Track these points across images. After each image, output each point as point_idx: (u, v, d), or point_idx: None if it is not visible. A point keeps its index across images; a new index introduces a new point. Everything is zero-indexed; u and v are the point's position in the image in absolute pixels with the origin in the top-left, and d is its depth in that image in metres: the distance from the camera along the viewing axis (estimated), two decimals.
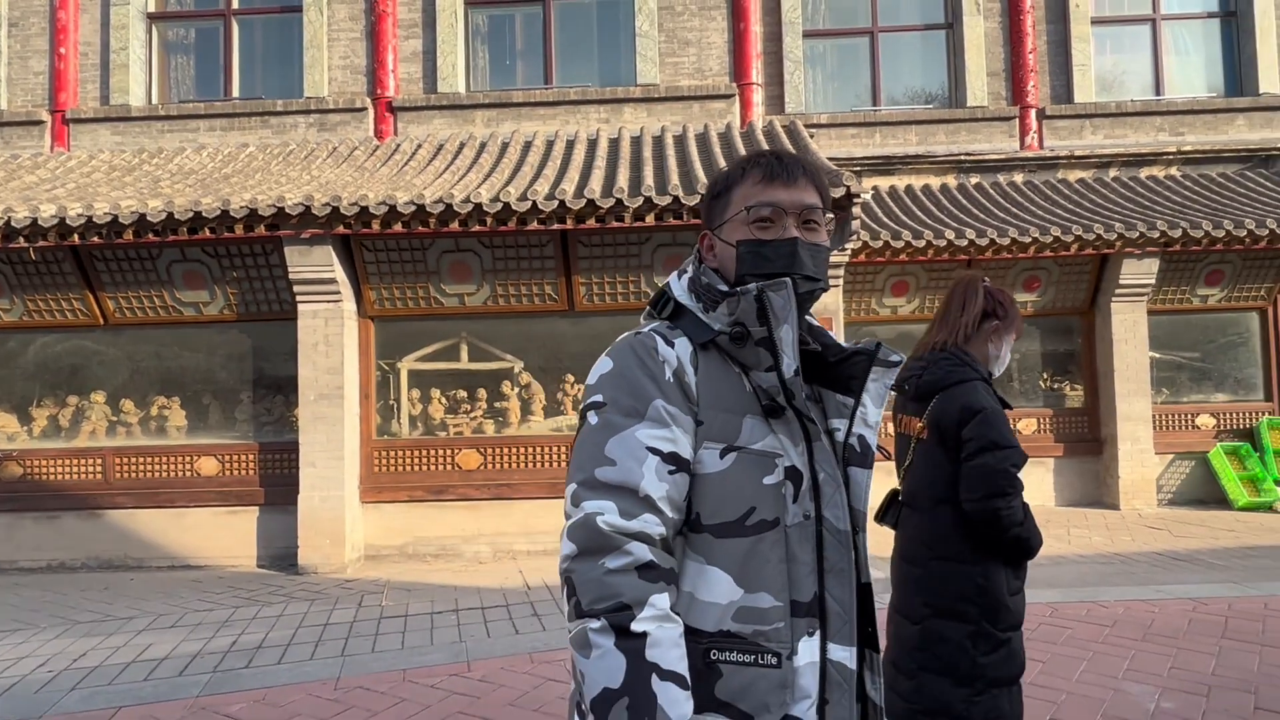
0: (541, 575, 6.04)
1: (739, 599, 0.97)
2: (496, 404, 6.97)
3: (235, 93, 9.37)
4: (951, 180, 9.62)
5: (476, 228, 6.07)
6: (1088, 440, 8.39)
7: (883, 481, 1.69)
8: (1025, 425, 8.40)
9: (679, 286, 1.11)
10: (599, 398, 1.02)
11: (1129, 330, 8.07)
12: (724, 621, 0.97)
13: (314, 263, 6.37)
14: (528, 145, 8.00)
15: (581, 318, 6.90)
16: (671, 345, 1.03)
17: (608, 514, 0.94)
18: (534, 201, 5.93)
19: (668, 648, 0.91)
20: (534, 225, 6.06)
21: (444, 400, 7.02)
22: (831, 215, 1.16)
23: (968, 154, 9.49)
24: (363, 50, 9.19)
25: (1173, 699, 3.37)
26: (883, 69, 10.20)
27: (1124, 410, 8.02)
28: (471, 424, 6.95)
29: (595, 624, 0.91)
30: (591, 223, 6.02)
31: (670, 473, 0.97)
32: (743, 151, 7.06)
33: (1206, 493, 8.19)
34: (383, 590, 5.82)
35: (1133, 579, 5.45)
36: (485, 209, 5.94)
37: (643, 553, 0.93)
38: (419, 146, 8.10)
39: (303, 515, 6.48)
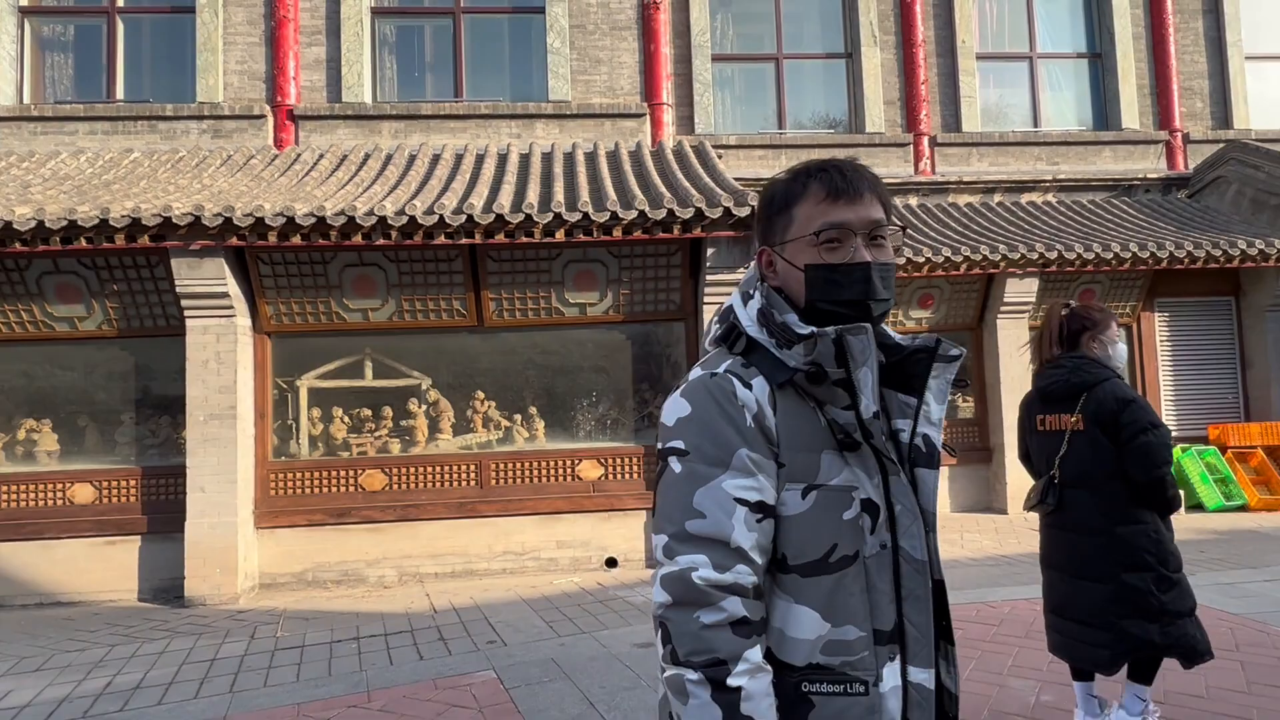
0: (449, 598, 5.88)
1: (826, 633, 1.00)
2: (403, 422, 6.78)
3: (119, 94, 8.83)
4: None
5: (381, 241, 5.92)
6: (979, 449, 8.89)
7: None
8: None
9: (747, 317, 1.09)
10: (680, 443, 1.01)
11: (1013, 345, 8.62)
12: (813, 655, 1.00)
13: (204, 276, 6.04)
14: (436, 158, 7.88)
15: (492, 333, 6.81)
16: (749, 387, 1.02)
17: (701, 568, 0.96)
18: (441, 215, 5.83)
19: (759, 699, 0.94)
20: (441, 239, 5.95)
21: (347, 419, 6.77)
22: (897, 226, 1.14)
23: None
24: (262, 56, 8.84)
25: (1051, 692, 3.59)
26: (788, 94, 10.60)
27: (1010, 420, 8.54)
28: (376, 443, 6.72)
29: (692, 675, 0.94)
30: (500, 238, 5.97)
31: (758, 521, 0.99)
32: (653, 171, 7.18)
33: None
34: (278, 620, 5.53)
35: (1017, 579, 5.78)
36: (390, 222, 5.79)
37: (737, 608, 0.95)
38: (321, 156, 7.84)
39: (190, 543, 6.09)
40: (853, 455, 1.03)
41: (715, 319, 1.14)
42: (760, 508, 0.99)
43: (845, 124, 10.55)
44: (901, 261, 7.96)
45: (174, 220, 5.69)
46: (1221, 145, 10.05)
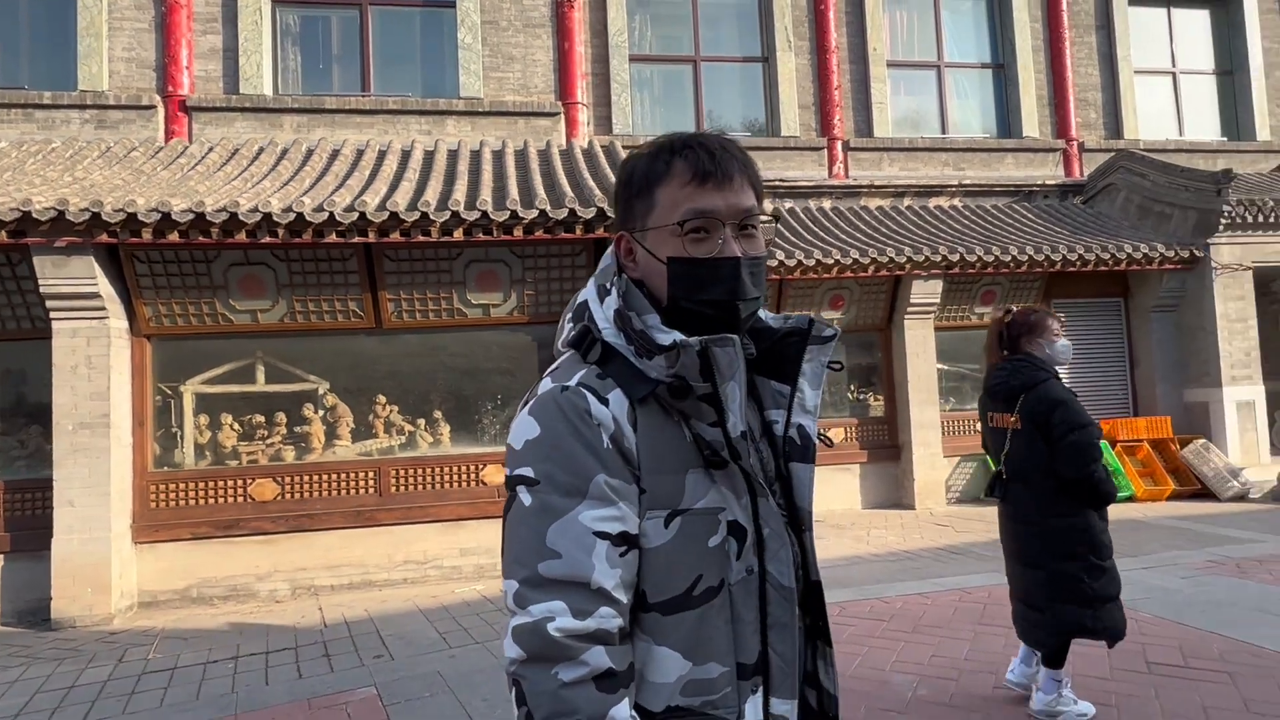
0: (343, 611, 5.64)
1: (687, 673, 0.92)
2: (298, 428, 6.48)
3: None
4: (768, 205, 10.17)
5: (266, 239, 5.63)
6: (888, 446, 9.10)
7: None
8: (834, 434, 8.97)
9: (603, 318, 0.97)
10: (529, 471, 0.90)
11: (920, 345, 8.86)
12: (673, 698, 0.92)
13: (72, 275, 5.64)
14: (335, 154, 7.59)
15: (392, 335, 6.58)
16: (606, 403, 0.91)
17: (559, 617, 0.85)
18: (331, 213, 5.59)
19: None
20: (332, 238, 5.71)
21: (237, 426, 6.43)
22: (768, 217, 1.06)
23: (782, 180, 10.08)
24: (152, 43, 8.35)
25: (928, 686, 3.64)
26: (706, 96, 10.65)
27: (917, 418, 8.78)
28: (269, 451, 6.41)
29: None
30: (396, 236, 5.77)
31: (621, 555, 0.89)
32: (560, 170, 7.08)
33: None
34: (153, 642, 5.19)
35: (915, 574, 5.91)
36: (276, 219, 5.52)
37: (600, 660, 0.85)
38: (210, 149, 7.44)
39: (58, 561, 5.67)
40: (720, 474, 0.95)
41: (568, 314, 1.02)
42: (623, 539, 0.90)
43: (763, 127, 10.67)
44: (773, 262, 8.09)
45: (34, 215, 5.29)
46: (1113, 154, 10.58)
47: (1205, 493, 8.61)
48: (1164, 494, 8.58)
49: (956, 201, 10.58)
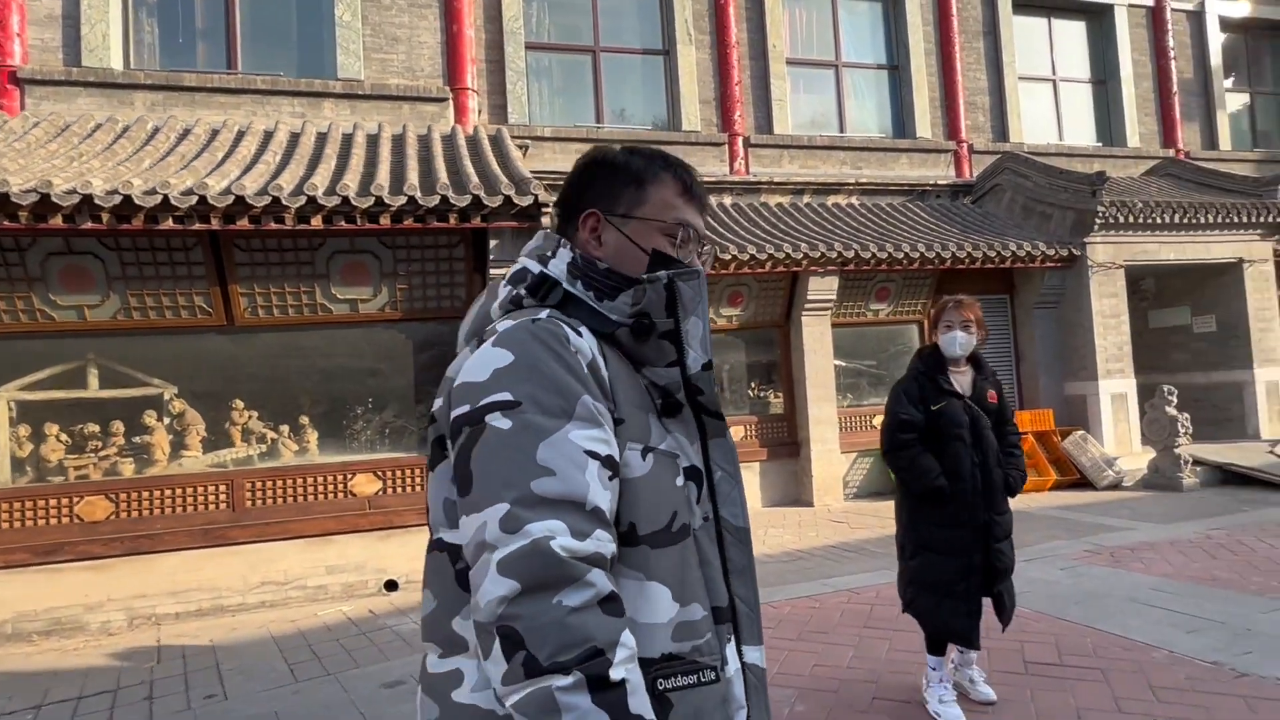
0: (185, 642, 5.03)
1: (676, 614, 0.89)
2: (137, 438, 5.79)
3: None
4: None
5: (89, 225, 4.95)
6: (788, 443, 9.05)
7: None
8: (735, 432, 8.84)
9: (560, 271, 0.98)
10: (505, 395, 0.84)
11: (817, 341, 8.84)
12: (666, 643, 0.88)
13: None
14: (186, 133, 6.87)
15: (247, 334, 5.96)
16: (579, 334, 0.91)
17: (560, 536, 0.78)
18: (165, 196, 4.97)
19: (643, 694, 0.79)
20: (168, 224, 5.08)
21: (65, 437, 5.68)
22: (709, 247, 1.15)
23: None
24: None
25: (807, 700, 3.44)
26: (605, 88, 10.36)
27: (814, 414, 8.75)
28: (102, 465, 5.69)
29: (564, 680, 0.74)
30: (244, 224, 5.19)
31: (610, 479, 0.86)
32: (440, 157, 6.61)
33: (883, 484, 9.18)
34: None
35: (806, 575, 5.78)
36: (98, 201, 4.86)
37: (604, 582, 0.79)
38: (35, 125, 6.59)
39: None
40: (673, 420, 0.96)
41: (505, 283, 1.00)
42: (610, 464, 0.86)
43: (664, 121, 10.46)
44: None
45: None
46: (999, 156, 10.91)
47: (1084, 482, 8.94)
48: (1047, 484, 8.86)
49: (854, 199, 10.68)
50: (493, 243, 5.67)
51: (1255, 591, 4.59)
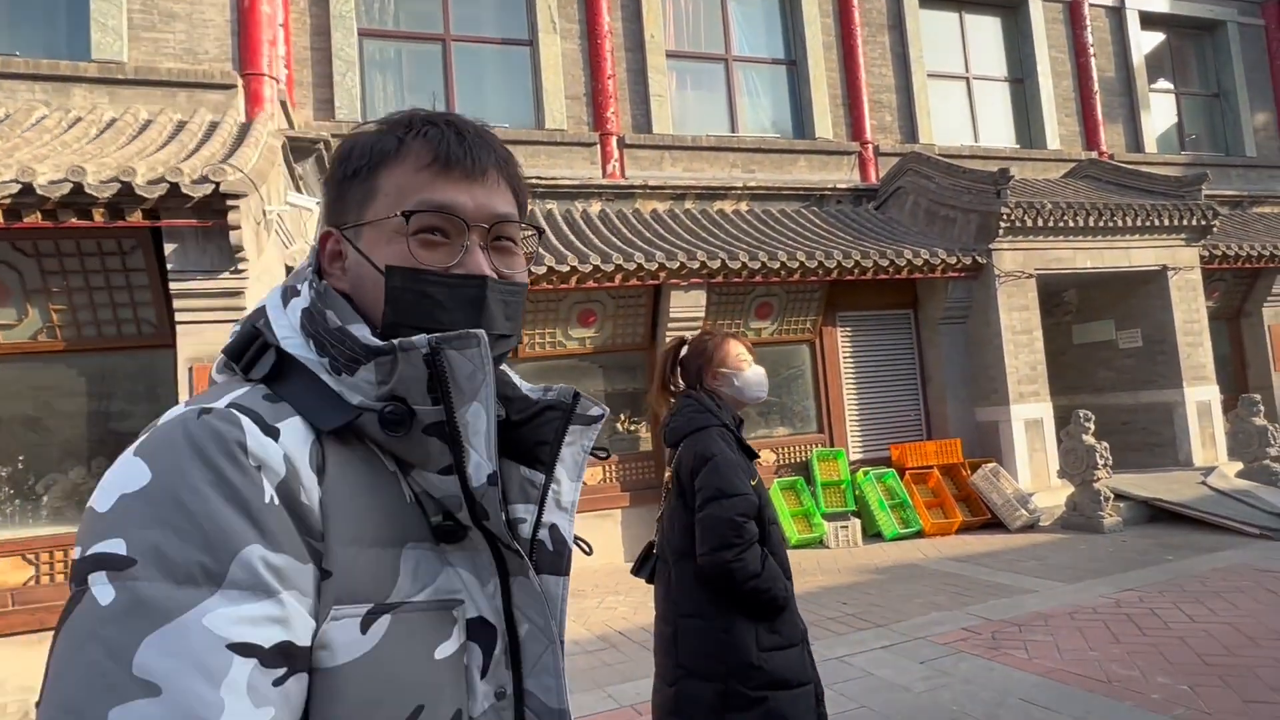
0: None
1: None
2: None
3: None
4: (532, 208, 8.73)
5: None
6: (655, 486, 7.74)
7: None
8: (592, 475, 7.54)
9: (284, 323, 0.66)
10: (117, 547, 0.52)
11: None
12: None
13: None
14: None
15: None
16: (274, 435, 0.58)
17: None
18: None
19: None
20: None
21: None
22: (533, 231, 0.77)
23: (546, 179, 8.65)
24: None
25: None
26: (459, 82, 9.14)
27: None
28: None
29: None
30: None
31: (276, 683, 0.53)
32: (193, 157, 5.26)
33: None
34: None
35: (625, 674, 4.45)
36: None
37: None
38: None
39: None
40: (455, 549, 0.65)
41: (235, 330, 0.69)
42: (282, 655, 0.53)
43: (527, 119, 9.24)
44: (538, 272, 6.65)
45: None
46: (903, 157, 9.87)
47: (996, 522, 7.79)
48: (953, 527, 7.68)
49: (743, 205, 9.53)
50: (169, 248, 4.32)
51: (1158, 706, 3.37)
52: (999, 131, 11.56)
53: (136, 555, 0.51)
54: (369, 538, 0.60)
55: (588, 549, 0.83)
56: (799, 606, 2.10)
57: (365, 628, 0.58)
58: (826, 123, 10.31)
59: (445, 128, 0.70)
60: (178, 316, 4.40)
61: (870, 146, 10.36)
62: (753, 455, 2.11)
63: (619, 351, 7.83)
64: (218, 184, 4.07)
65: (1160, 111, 12.56)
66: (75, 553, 0.54)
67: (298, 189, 6.79)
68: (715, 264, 7.24)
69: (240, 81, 7.17)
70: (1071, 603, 5.03)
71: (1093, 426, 7.41)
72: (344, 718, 0.56)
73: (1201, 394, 9.00)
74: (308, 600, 0.56)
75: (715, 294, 7.73)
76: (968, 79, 11.47)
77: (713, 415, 2.07)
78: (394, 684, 0.58)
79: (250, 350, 0.65)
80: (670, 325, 7.51)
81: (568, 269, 6.78)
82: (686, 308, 7.48)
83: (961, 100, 11.39)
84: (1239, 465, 8.43)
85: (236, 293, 4.42)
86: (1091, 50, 11.75)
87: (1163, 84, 12.70)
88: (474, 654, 0.65)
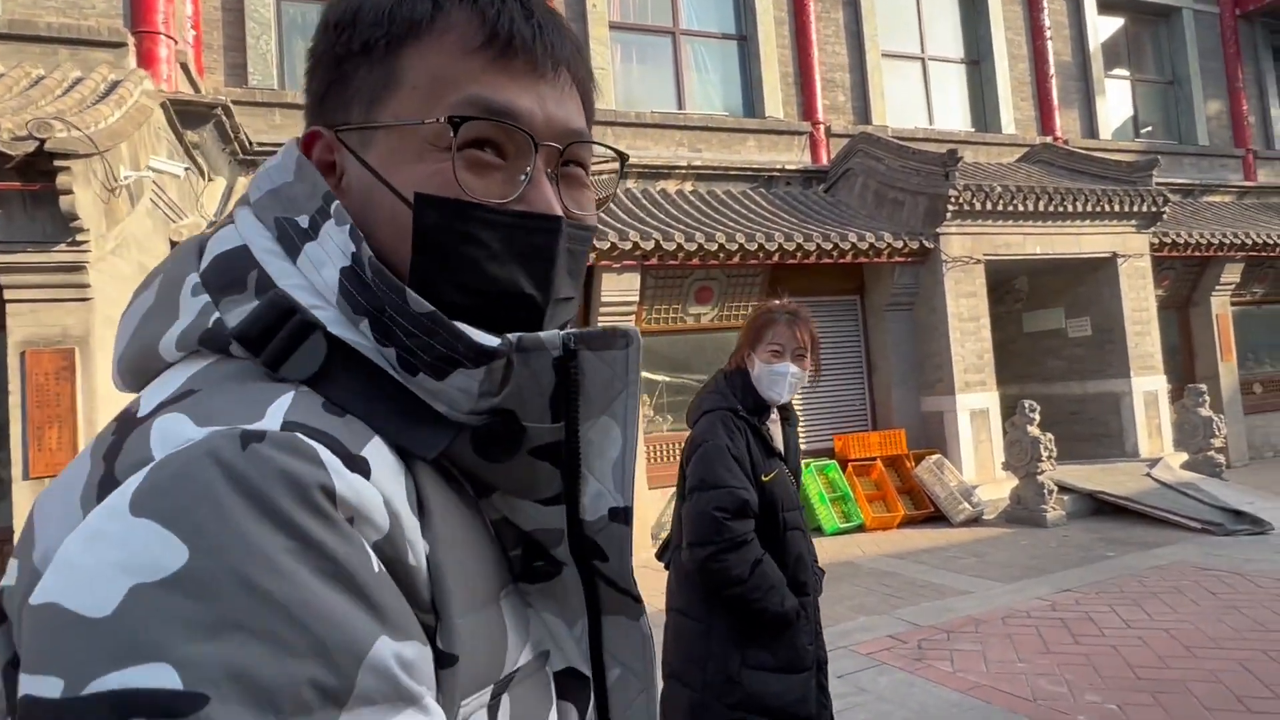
0: None
1: None
2: None
3: None
4: None
5: None
6: None
7: None
8: None
9: (299, 283, 0.45)
10: (164, 678, 0.31)
11: None
12: None
13: None
14: None
15: None
16: (364, 471, 0.40)
17: None
18: None
19: None
20: None
21: None
22: (615, 157, 0.61)
23: None
24: None
25: None
26: None
27: None
28: None
29: None
30: None
31: None
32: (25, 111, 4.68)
33: None
34: None
35: None
36: None
37: None
38: None
39: None
40: (537, 591, 0.51)
41: (199, 272, 0.47)
42: None
43: None
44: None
45: None
46: (853, 138, 9.54)
47: (940, 515, 7.55)
48: (894, 521, 7.43)
49: (687, 186, 9.13)
50: None
51: None
52: (954, 114, 11.30)
53: (204, 689, 0.31)
54: (481, 598, 0.46)
55: None
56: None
57: (494, 717, 0.45)
58: (777, 101, 9.94)
59: None
60: (6, 294, 3.87)
61: (822, 127, 10.02)
62: (773, 452, 1.91)
63: None
64: (43, 141, 3.54)
65: (1116, 98, 12.42)
66: (36, 686, 0.32)
67: (192, 160, 6.22)
68: (649, 245, 6.84)
69: (131, 40, 6.55)
70: (1006, 605, 4.77)
71: (1037, 417, 7.19)
72: None
73: (1148, 384, 8.86)
74: (434, 703, 0.40)
75: (651, 277, 7.34)
76: (923, 59, 11.17)
77: (723, 399, 1.90)
78: None
79: (276, 334, 0.43)
80: (602, 310, 7.11)
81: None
82: (620, 291, 7.07)
83: (917, 81, 11.10)
84: (1184, 456, 8.31)
85: (76, 268, 3.87)
86: (1048, 33, 11.52)
87: (1119, 70, 12.56)
88: (569, 715, 0.52)
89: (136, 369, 0.48)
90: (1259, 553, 5.61)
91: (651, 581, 5.22)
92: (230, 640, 0.32)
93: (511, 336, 0.45)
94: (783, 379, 1.88)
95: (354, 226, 0.46)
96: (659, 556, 2.09)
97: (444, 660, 0.41)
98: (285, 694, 0.33)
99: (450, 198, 0.46)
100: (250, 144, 7.21)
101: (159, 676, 0.31)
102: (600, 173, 0.54)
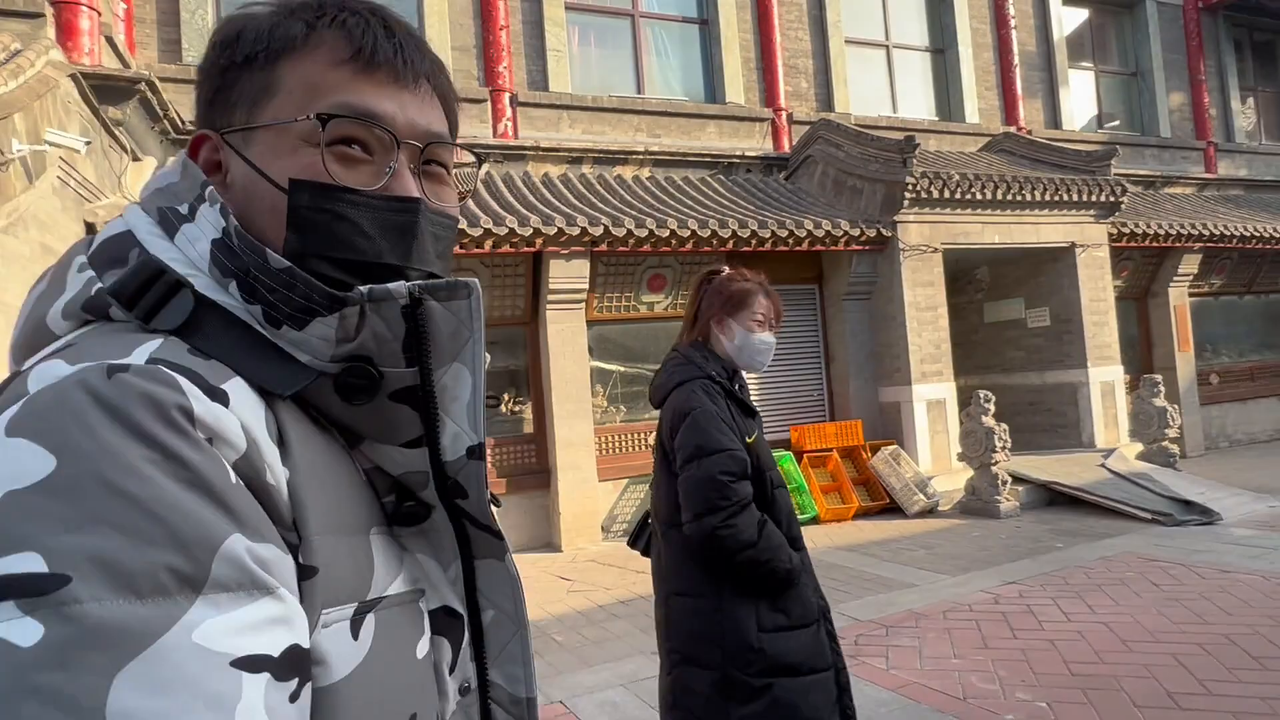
0: None
1: None
2: None
3: None
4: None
5: None
6: (536, 471, 7.18)
7: None
8: None
9: (178, 257, 0.52)
10: (31, 564, 0.37)
11: (567, 341, 7.01)
12: None
13: None
14: None
15: None
16: (223, 400, 0.46)
17: None
18: None
19: None
20: None
21: None
22: (473, 160, 0.74)
23: None
24: None
25: None
26: None
27: (563, 434, 6.92)
28: None
29: None
30: None
31: (293, 697, 0.42)
32: None
33: None
34: None
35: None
36: None
37: None
38: None
39: None
40: (412, 533, 0.57)
41: (84, 253, 0.53)
42: (292, 665, 0.43)
43: None
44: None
45: None
46: (814, 124, 9.40)
47: (895, 506, 7.48)
48: (849, 513, 7.34)
49: (645, 172, 8.94)
50: None
51: None
52: (918, 103, 11.20)
53: (67, 570, 0.37)
54: (343, 524, 0.51)
55: (498, 503, 0.69)
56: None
57: (356, 631, 0.49)
58: (739, 87, 9.77)
59: (369, 17, 0.57)
60: None
61: (784, 114, 9.87)
62: (751, 413, 1.88)
63: (497, 325, 7.19)
64: None
65: (1080, 89, 12.41)
66: None
67: (113, 137, 5.91)
68: (598, 231, 6.65)
69: (50, 11, 6.21)
70: (949, 598, 4.68)
71: (992, 408, 7.12)
72: None
73: (1106, 374, 8.85)
74: (294, 602, 0.45)
75: (602, 263, 7.16)
76: (888, 47, 11.06)
77: (697, 368, 1.83)
78: (389, 694, 0.50)
79: (150, 292, 0.49)
80: (551, 297, 6.91)
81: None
82: (569, 278, 6.88)
83: (881, 69, 10.98)
84: (1139, 447, 8.31)
85: None
86: (1013, 22, 11.46)
87: (1083, 61, 12.55)
88: (442, 650, 0.57)
89: (29, 344, 0.52)
90: (1205, 543, 5.58)
91: (595, 575, 4.97)
92: (93, 533, 0.38)
93: (363, 288, 0.51)
94: (768, 349, 1.89)
95: (224, 205, 0.52)
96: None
97: (305, 572, 0.46)
98: (143, 577, 0.38)
99: (320, 181, 0.53)
100: (183, 122, 6.91)
101: (27, 563, 0.36)
102: (461, 165, 0.66)
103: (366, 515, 0.53)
